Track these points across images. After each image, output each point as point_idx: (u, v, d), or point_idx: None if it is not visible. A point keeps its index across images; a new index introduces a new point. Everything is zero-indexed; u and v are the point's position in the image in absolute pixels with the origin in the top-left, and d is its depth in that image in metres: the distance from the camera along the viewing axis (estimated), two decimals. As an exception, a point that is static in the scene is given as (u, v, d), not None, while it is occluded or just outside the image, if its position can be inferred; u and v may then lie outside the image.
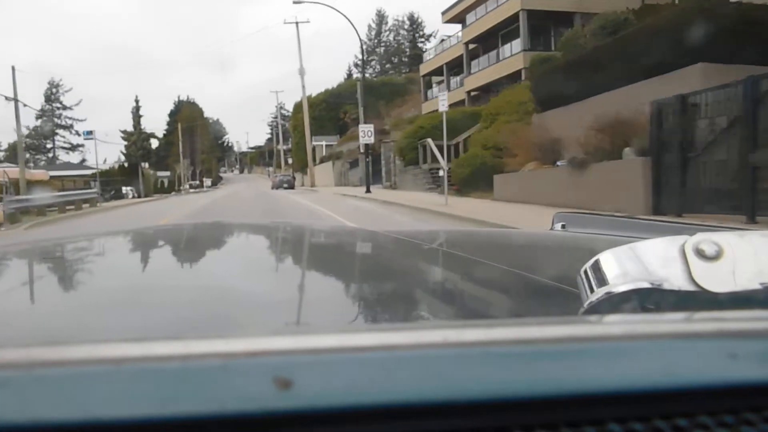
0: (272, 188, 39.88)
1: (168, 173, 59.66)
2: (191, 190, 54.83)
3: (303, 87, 41.70)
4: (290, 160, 68.08)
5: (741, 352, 0.30)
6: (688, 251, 0.41)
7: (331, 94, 49.24)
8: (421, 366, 0.28)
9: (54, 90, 62.37)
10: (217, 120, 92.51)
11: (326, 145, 43.59)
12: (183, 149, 61.77)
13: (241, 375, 0.27)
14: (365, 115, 26.71)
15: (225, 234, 1.50)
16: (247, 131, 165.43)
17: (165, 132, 69.48)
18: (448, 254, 1.14)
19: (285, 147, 70.37)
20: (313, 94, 48.62)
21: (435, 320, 0.62)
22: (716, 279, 0.40)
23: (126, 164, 39.52)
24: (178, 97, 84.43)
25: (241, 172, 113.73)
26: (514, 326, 0.32)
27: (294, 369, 0.27)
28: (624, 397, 0.29)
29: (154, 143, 58.38)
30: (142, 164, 42.89)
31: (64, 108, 63.50)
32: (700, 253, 0.41)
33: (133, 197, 34.15)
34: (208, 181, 67.40)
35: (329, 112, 45.67)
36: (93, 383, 0.26)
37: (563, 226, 1.22)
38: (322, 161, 41.54)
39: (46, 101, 61.65)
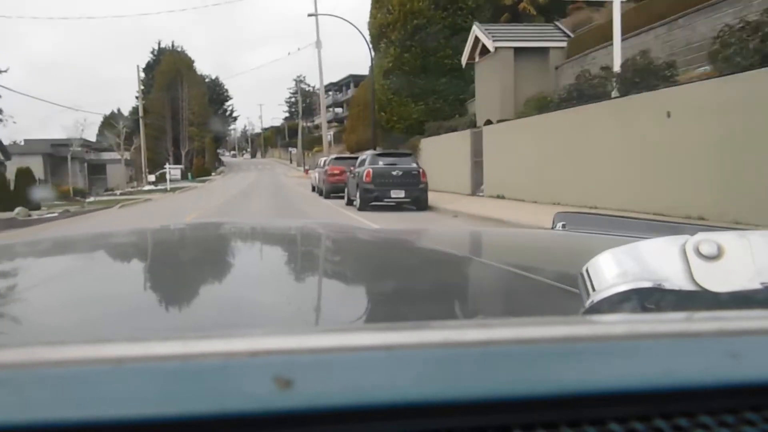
0: (357, 207, 13.27)
1: (126, 155, 38.92)
2: (151, 187, 31.47)
3: None
4: (329, 137, 38.54)
5: (741, 351, 0.30)
6: (689, 251, 0.41)
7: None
8: (422, 366, 0.28)
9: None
10: (216, 79, 64.06)
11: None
12: (160, 116, 40.59)
13: (241, 374, 0.27)
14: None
15: (225, 234, 1.50)
16: (260, 103, 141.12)
17: (137, 96, 42.33)
18: (448, 254, 1.13)
19: (307, 123, 46.67)
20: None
21: (435, 320, 0.62)
22: (717, 278, 0.40)
23: None
24: (159, 44, 54.98)
25: (253, 156, 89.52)
26: (515, 326, 0.32)
27: (294, 368, 0.27)
28: (624, 396, 0.29)
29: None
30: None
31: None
32: (701, 253, 0.41)
33: None
34: (176, 172, 35.17)
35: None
36: (93, 383, 0.26)
37: (564, 226, 1.22)
38: (562, 101, 10.78)
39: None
